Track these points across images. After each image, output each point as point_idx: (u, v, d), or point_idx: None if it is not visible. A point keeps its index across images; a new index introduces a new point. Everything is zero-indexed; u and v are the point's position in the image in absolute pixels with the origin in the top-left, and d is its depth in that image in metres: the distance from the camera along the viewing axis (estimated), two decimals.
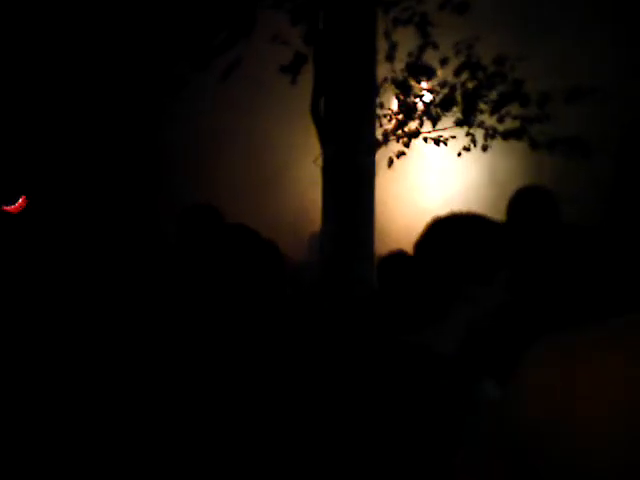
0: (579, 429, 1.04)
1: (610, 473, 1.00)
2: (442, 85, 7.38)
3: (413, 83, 7.36)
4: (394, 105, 7.62)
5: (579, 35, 7.58)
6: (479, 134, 7.33)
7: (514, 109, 7.07)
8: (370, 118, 7.02)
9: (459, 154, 7.61)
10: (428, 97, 7.45)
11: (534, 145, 7.03)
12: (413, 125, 7.47)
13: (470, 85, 7.33)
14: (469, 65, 7.31)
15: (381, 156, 7.39)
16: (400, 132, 7.48)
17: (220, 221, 4.37)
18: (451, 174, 9.11)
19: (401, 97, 7.43)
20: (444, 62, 7.38)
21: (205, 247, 2.50)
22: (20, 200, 9.51)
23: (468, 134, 7.45)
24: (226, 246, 2.46)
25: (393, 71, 7.28)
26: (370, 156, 6.99)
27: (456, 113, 7.22)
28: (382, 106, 7.40)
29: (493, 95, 7.20)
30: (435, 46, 7.18)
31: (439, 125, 7.36)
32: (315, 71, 6.86)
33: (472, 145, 7.50)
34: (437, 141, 7.53)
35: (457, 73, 7.33)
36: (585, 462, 1.03)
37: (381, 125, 7.44)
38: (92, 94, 8.03)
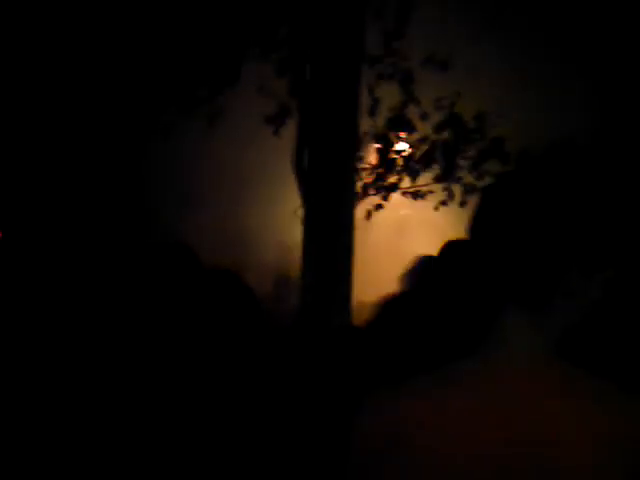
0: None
1: None
2: (422, 140, 7.51)
3: (393, 138, 7.48)
4: (374, 159, 7.74)
5: (560, 87, 7.71)
6: (458, 190, 7.44)
7: (493, 165, 7.20)
8: (352, 171, 7.10)
9: (436, 208, 7.72)
10: (407, 151, 7.58)
11: None
12: (392, 179, 7.58)
13: (450, 141, 7.48)
14: (449, 122, 7.46)
15: (360, 207, 7.49)
16: (379, 185, 7.59)
17: (195, 262, 4.34)
18: (429, 225, 9.19)
19: (381, 151, 7.55)
20: (424, 117, 7.52)
21: (178, 291, 2.54)
22: None
23: (445, 189, 7.57)
24: (201, 291, 2.49)
25: (374, 125, 7.39)
26: (351, 209, 7.05)
27: (435, 169, 7.35)
28: (362, 160, 7.50)
29: (472, 152, 7.35)
30: (417, 102, 7.31)
31: (419, 180, 7.47)
32: (299, 123, 6.94)
33: (449, 200, 7.61)
34: (415, 195, 7.65)
35: (438, 129, 7.48)
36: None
37: (361, 178, 7.53)
38: (80, 132, 8.04)
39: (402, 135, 7.56)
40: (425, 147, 7.54)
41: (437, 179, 7.31)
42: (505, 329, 1.27)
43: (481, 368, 1.26)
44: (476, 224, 1.32)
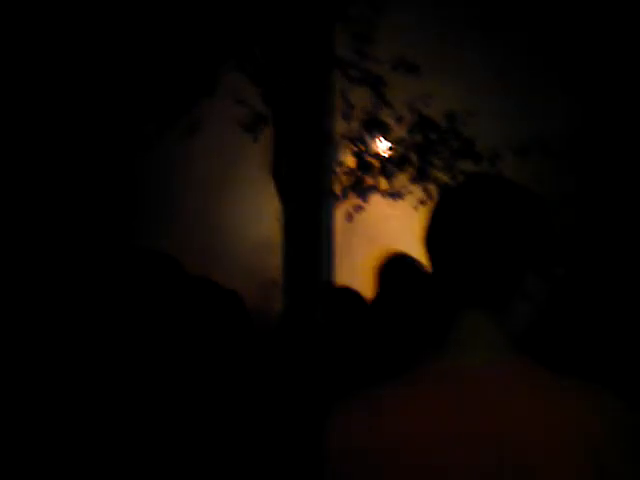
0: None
1: None
2: (397, 142, 7.68)
3: (369, 140, 7.65)
4: (352, 162, 7.89)
5: (530, 85, 7.84)
6: (434, 189, 7.60)
7: (466, 165, 7.37)
8: (328, 174, 7.28)
9: (415, 208, 7.88)
10: (384, 153, 7.74)
11: None
12: (370, 181, 7.74)
13: (423, 142, 7.66)
14: (422, 124, 7.63)
15: (341, 210, 7.67)
16: (358, 187, 7.74)
17: (179, 271, 4.46)
18: (410, 225, 9.31)
19: (359, 153, 7.71)
20: (399, 120, 7.69)
21: (164, 300, 2.52)
22: None
23: (424, 190, 7.74)
24: (187, 300, 2.49)
25: (350, 129, 7.56)
26: (328, 211, 7.23)
27: (410, 170, 7.51)
28: (340, 163, 7.67)
29: (446, 152, 7.52)
30: (388, 104, 7.47)
31: (396, 181, 7.63)
32: (275, 130, 7.12)
33: (428, 199, 7.77)
34: (394, 195, 7.80)
35: (410, 131, 7.65)
36: None
37: (340, 182, 7.70)
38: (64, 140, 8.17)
39: (378, 137, 7.72)
40: (400, 149, 7.71)
41: (413, 179, 7.47)
42: (466, 330, 1.30)
43: (445, 369, 1.29)
44: (432, 229, 1.35)
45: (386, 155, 7.73)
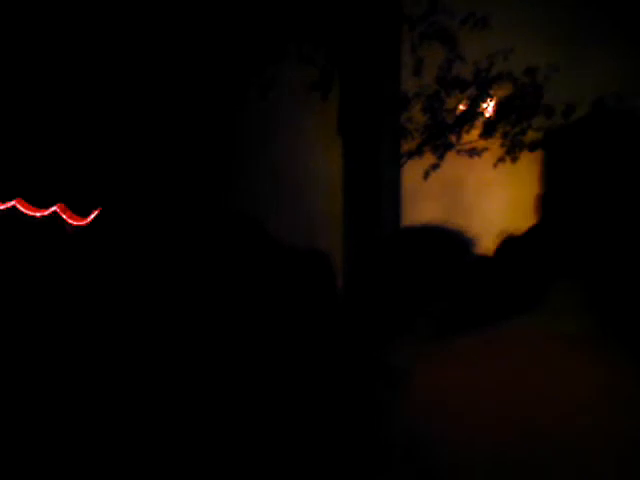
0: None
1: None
2: (473, 98, 7.53)
3: (444, 96, 7.53)
4: (425, 118, 7.81)
5: (606, 41, 7.50)
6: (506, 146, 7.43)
7: (537, 120, 7.15)
8: (394, 131, 7.23)
9: (495, 165, 7.72)
10: (460, 109, 7.60)
11: None
12: (448, 138, 7.64)
13: (504, 98, 7.47)
14: (502, 78, 7.44)
15: (416, 167, 7.62)
16: (433, 144, 7.66)
17: (263, 233, 4.57)
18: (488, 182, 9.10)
19: (432, 109, 7.61)
20: (477, 75, 7.53)
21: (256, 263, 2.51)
22: (93, 213, 10.17)
23: (503, 145, 7.56)
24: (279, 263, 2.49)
25: (421, 86, 7.47)
26: (394, 167, 7.19)
27: (478, 127, 7.36)
28: (413, 121, 7.60)
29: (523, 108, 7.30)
30: (462, 59, 7.33)
31: (466, 137, 7.51)
32: (341, 87, 7.15)
33: (507, 156, 7.58)
34: (471, 152, 7.67)
35: (488, 86, 7.47)
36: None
37: (413, 139, 7.63)
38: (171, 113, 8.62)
39: (455, 92, 7.59)
40: (475, 105, 7.55)
41: (482, 135, 7.32)
42: (555, 297, 1.24)
43: (535, 331, 1.23)
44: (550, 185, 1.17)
45: (462, 110, 7.60)
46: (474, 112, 7.54)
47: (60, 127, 9.24)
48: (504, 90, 7.41)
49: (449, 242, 2.31)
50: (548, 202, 1.17)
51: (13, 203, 9.54)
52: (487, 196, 9.17)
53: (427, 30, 7.25)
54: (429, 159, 7.74)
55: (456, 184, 9.18)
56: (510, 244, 3.89)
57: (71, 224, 9.91)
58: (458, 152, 7.72)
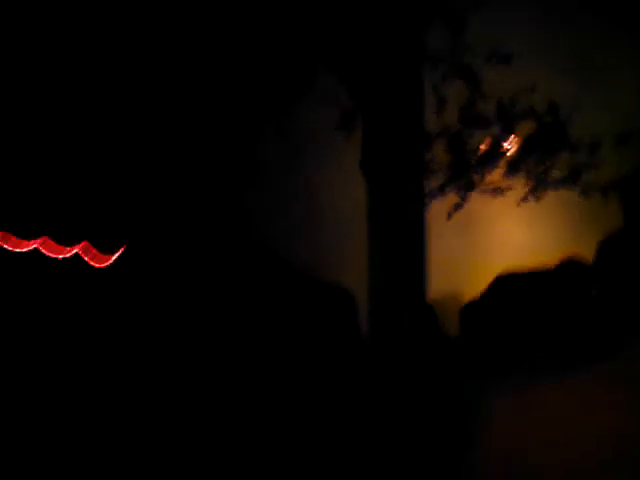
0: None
1: None
2: (496, 136, 7.51)
3: (466, 135, 7.52)
4: (448, 157, 7.78)
5: (626, 75, 7.46)
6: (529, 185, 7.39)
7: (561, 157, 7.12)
8: (418, 170, 7.23)
9: (518, 204, 7.68)
10: (483, 148, 7.58)
11: (585, 191, 7.05)
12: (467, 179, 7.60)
13: (529, 135, 7.45)
14: (526, 115, 7.43)
15: (439, 207, 7.59)
16: (455, 184, 7.62)
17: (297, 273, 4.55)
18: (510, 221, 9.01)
19: (455, 149, 7.59)
20: (501, 112, 7.52)
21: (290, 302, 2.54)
22: (117, 252, 10.15)
23: (527, 185, 7.53)
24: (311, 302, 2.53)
25: (444, 124, 7.47)
26: (418, 205, 7.18)
27: (502, 166, 7.34)
28: (435, 159, 7.58)
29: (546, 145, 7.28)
30: (485, 96, 7.33)
31: (490, 176, 7.48)
32: (364, 127, 7.18)
33: (530, 195, 7.53)
34: (495, 191, 7.63)
35: (512, 124, 7.46)
36: None
37: (437, 178, 7.60)
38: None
39: (477, 130, 7.57)
40: (502, 143, 7.54)
41: (505, 174, 7.29)
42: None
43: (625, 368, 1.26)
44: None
45: (485, 149, 7.57)
46: (497, 151, 7.52)
47: (86, 166, 9.33)
48: (527, 128, 7.39)
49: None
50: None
51: (38, 243, 9.60)
52: (510, 234, 9.09)
53: (450, 68, 7.28)
54: (452, 199, 7.71)
55: (479, 221, 9.12)
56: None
57: (93, 266, 9.92)
58: (481, 191, 7.69)
